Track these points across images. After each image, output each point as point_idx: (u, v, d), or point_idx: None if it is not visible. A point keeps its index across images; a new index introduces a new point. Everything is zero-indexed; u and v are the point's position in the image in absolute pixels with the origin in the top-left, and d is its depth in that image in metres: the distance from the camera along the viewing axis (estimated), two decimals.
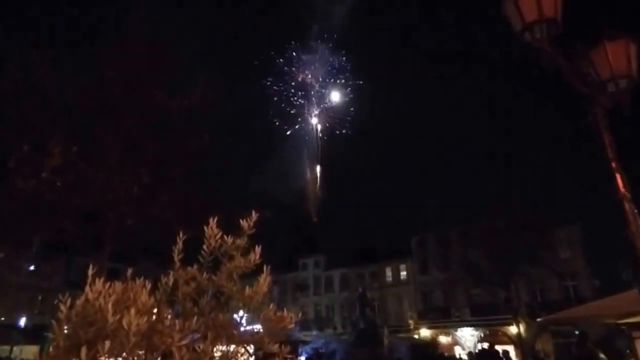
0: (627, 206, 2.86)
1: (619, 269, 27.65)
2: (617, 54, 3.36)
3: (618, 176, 2.98)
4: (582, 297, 27.89)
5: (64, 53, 10.54)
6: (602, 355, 7.28)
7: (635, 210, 2.86)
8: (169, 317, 2.21)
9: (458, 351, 34.22)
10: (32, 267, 27.36)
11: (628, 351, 9.17)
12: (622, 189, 2.93)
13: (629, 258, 2.90)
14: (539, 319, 24.18)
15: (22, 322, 27.40)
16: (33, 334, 26.11)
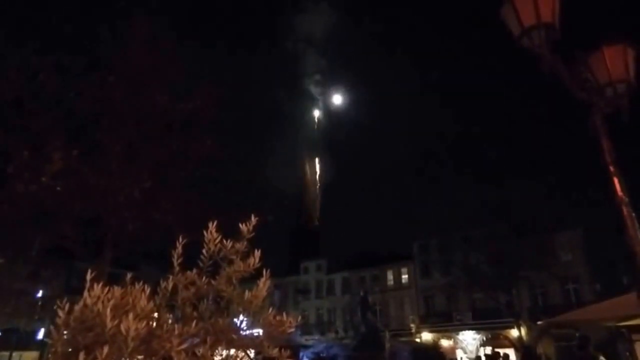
0: (625, 210, 2.88)
1: (619, 273, 27.62)
2: (614, 59, 3.39)
3: (616, 180, 2.99)
4: (583, 301, 27.83)
5: (64, 57, 10.55)
6: (602, 358, 7.27)
7: (634, 214, 2.87)
8: (169, 321, 2.22)
9: (460, 355, 34.17)
10: (31, 273, 27.32)
11: (627, 354, 9.15)
12: (620, 193, 2.94)
13: (629, 261, 2.91)
14: (539, 322, 24.14)
15: (22, 328, 27.34)
16: (32, 340, 26.07)
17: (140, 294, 2.09)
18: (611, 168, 3.06)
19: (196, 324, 2.12)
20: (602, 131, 3.22)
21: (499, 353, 19.54)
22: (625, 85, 3.34)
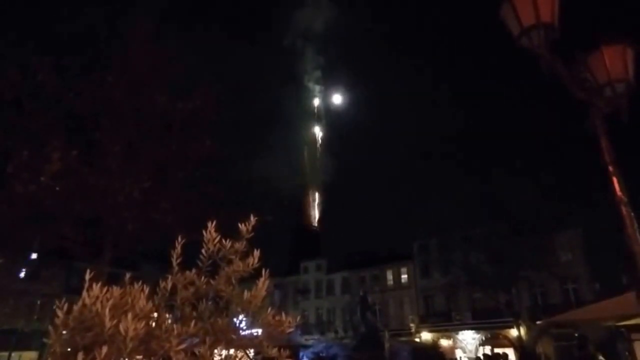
0: (624, 210, 2.88)
1: (619, 272, 27.62)
2: (614, 59, 3.39)
3: (615, 180, 2.99)
4: (582, 300, 27.84)
5: (64, 57, 10.54)
6: (601, 358, 7.29)
7: (632, 214, 2.87)
8: (168, 321, 2.21)
9: (459, 354, 34.18)
10: (31, 273, 27.33)
11: (627, 353, 9.17)
12: (619, 193, 2.95)
13: (628, 261, 2.90)
14: (539, 322, 24.13)
15: (21, 328, 27.30)
16: (31, 340, 26.04)
17: (139, 294, 2.09)
18: (610, 168, 3.06)
19: (195, 324, 2.11)
20: (602, 131, 3.22)
21: (498, 354, 19.55)
22: (624, 85, 3.34)
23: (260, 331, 2.31)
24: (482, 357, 23.02)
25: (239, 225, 2.56)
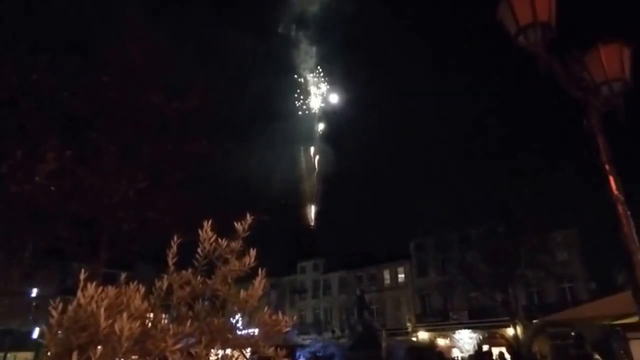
0: (620, 209, 2.88)
1: (614, 271, 27.79)
2: (610, 58, 3.39)
3: (611, 179, 3.00)
4: (578, 299, 27.99)
5: (59, 56, 10.50)
6: (597, 357, 7.32)
7: (628, 213, 2.88)
8: (164, 321, 2.20)
9: (456, 353, 34.28)
10: (26, 274, 27.17)
11: (622, 352, 9.21)
12: (615, 192, 2.95)
13: (624, 260, 2.91)
14: (535, 321, 24.23)
15: (15, 328, 27.17)
16: (27, 341, 25.91)
17: (135, 294, 2.07)
18: (607, 167, 3.07)
19: (191, 324, 2.10)
20: (598, 130, 3.22)
21: (487, 351, 19.62)
22: (621, 84, 3.35)
23: (256, 331, 2.30)
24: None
25: (235, 224, 2.55)
